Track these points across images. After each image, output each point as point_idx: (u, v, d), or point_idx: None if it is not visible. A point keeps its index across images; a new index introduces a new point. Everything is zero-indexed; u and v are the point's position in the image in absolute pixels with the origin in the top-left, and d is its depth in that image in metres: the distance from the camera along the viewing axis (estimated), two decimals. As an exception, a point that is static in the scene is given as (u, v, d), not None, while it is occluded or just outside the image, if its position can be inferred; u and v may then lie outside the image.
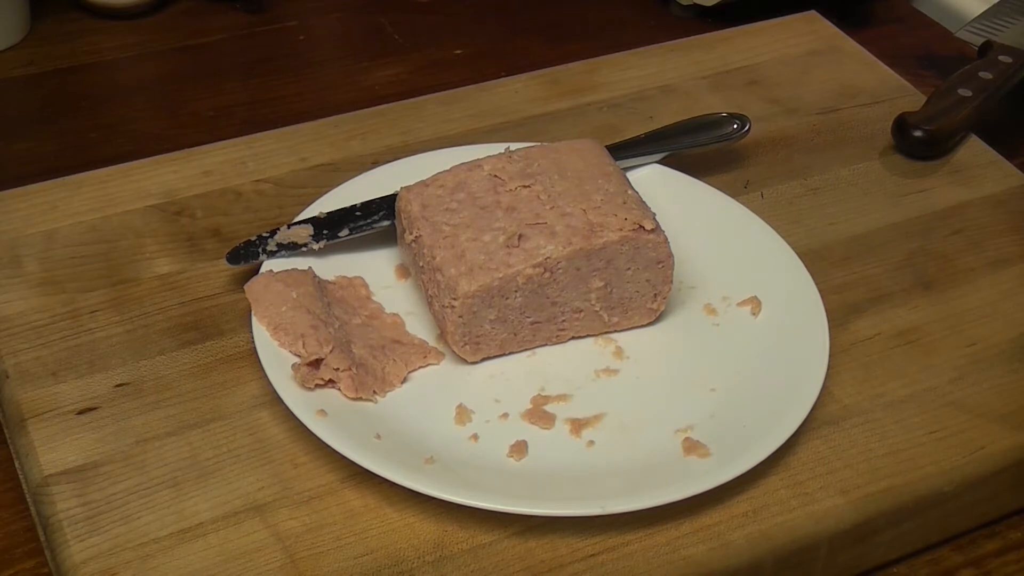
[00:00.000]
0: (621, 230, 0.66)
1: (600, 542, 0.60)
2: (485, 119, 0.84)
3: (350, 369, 0.64)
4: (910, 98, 0.88)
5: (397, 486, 0.60)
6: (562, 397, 0.66)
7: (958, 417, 0.67)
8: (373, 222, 0.73)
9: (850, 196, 0.80)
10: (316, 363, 0.64)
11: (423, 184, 0.69)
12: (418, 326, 0.69)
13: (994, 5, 0.99)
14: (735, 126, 0.81)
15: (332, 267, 0.71)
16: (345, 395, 0.64)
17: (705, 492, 0.60)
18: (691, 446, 0.63)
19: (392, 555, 0.59)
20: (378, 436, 0.62)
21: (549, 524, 0.60)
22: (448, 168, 0.70)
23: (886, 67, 0.92)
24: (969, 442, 0.65)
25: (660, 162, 0.79)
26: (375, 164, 0.79)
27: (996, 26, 0.95)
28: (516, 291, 0.66)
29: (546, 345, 0.69)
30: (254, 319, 0.66)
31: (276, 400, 0.63)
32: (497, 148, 0.72)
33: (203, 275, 0.72)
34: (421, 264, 0.68)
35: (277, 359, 0.65)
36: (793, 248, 0.73)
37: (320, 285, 0.69)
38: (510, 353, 0.68)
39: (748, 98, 0.87)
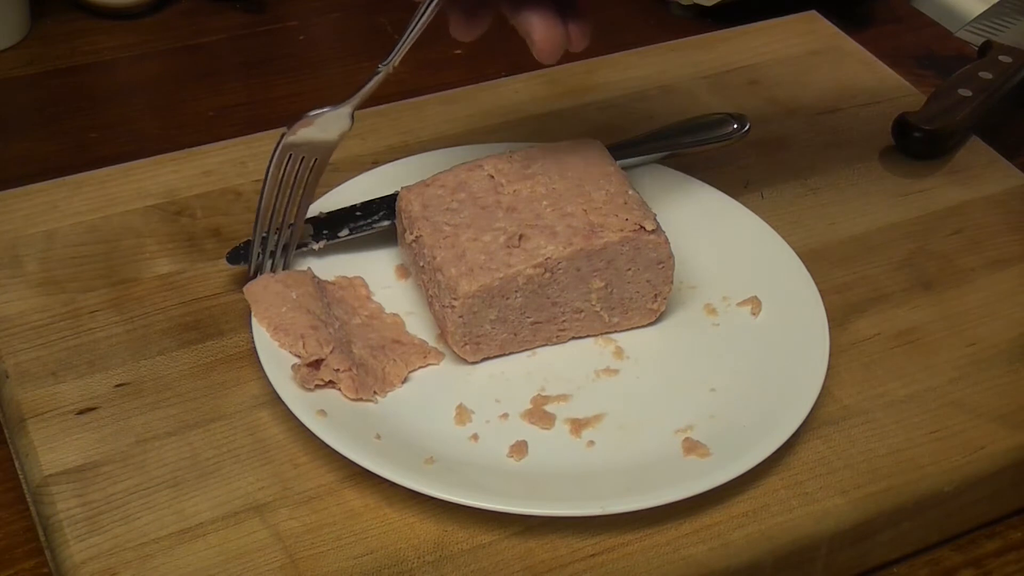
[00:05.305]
0: (622, 230, 0.66)
1: (600, 542, 0.60)
2: (485, 119, 0.84)
3: (350, 370, 0.64)
4: (910, 98, 0.88)
5: (397, 486, 0.60)
6: (562, 397, 0.66)
7: (958, 417, 0.67)
8: (373, 222, 0.73)
9: (850, 196, 0.80)
10: (316, 364, 0.64)
11: (424, 184, 0.69)
12: (418, 326, 0.69)
13: (994, 5, 0.99)
14: (735, 126, 0.81)
15: (332, 267, 0.71)
16: (345, 396, 0.64)
17: (705, 492, 0.60)
18: (691, 446, 0.63)
19: (392, 555, 0.59)
20: (378, 436, 0.62)
21: (549, 524, 0.60)
22: (449, 168, 0.70)
23: (886, 67, 0.92)
24: (969, 442, 0.65)
25: (660, 162, 0.79)
26: (375, 164, 0.78)
27: (996, 26, 0.96)
28: (516, 291, 0.65)
29: (546, 345, 0.69)
30: (254, 320, 0.66)
31: (276, 400, 0.63)
32: (498, 148, 0.72)
33: (203, 275, 0.72)
34: (422, 264, 0.68)
35: (277, 359, 0.65)
36: (793, 248, 0.73)
37: (320, 285, 0.69)
38: (510, 353, 0.68)
39: (748, 98, 0.87)
